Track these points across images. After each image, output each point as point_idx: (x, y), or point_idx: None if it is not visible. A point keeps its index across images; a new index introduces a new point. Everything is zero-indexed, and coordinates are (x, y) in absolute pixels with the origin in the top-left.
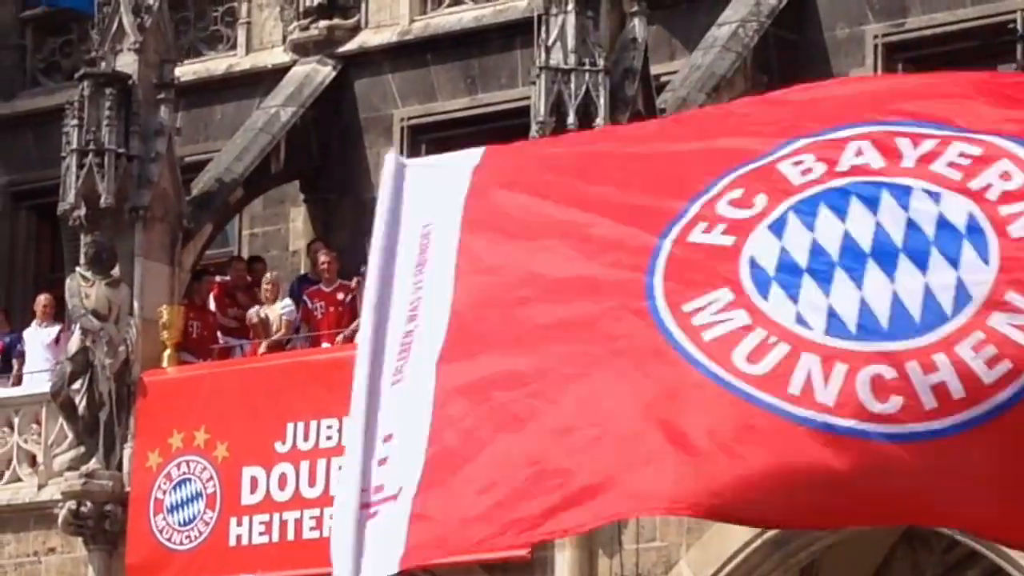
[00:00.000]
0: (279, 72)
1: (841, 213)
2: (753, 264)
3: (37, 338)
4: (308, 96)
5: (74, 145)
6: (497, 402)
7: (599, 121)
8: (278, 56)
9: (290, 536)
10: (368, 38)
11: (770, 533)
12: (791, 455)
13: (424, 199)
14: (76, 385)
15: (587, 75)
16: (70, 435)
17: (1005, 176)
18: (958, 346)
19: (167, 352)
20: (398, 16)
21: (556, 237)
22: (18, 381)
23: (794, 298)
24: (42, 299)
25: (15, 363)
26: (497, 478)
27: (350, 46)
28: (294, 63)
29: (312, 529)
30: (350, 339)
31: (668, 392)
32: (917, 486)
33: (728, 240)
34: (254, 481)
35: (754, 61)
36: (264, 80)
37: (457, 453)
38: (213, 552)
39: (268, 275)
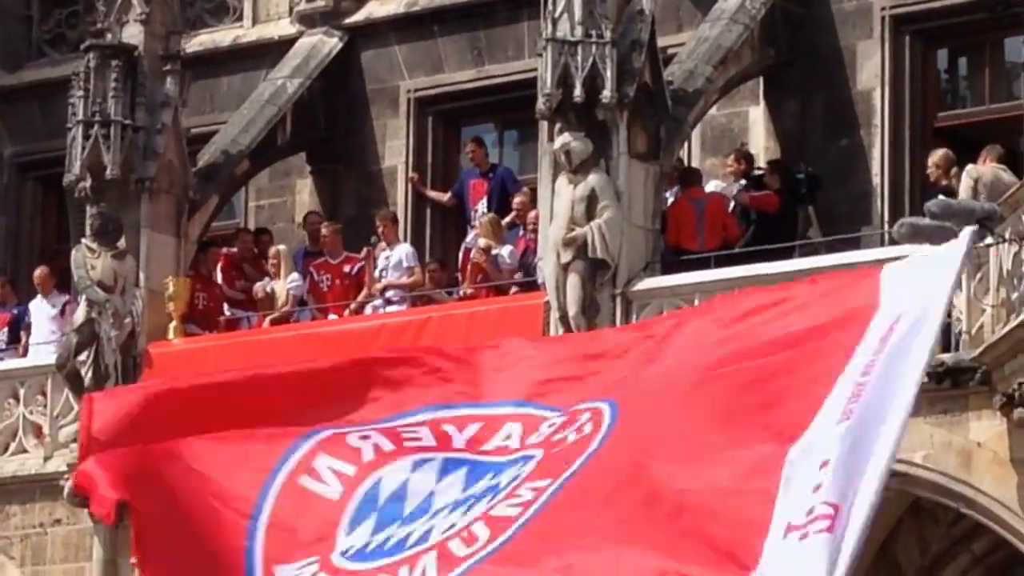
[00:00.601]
0: (285, 43)
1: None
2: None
3: (42, 310)
4: (315, 68)
5: (80, 116)
6: None
7: (606, 93)
8: (284, 27)
9: None
10: (374, 9)
11: None
12: None
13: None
14: (82, 357)
15: (594, 47)
16: (76, 407)
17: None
18: None
19: (173, 324)
20: None
21: None
22: (24, 352)
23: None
24: (39, 272)
25: (23, 335)
26: None
27: (356, 17)
28: (300, 34)
29: None
30: (357, 311)
31: None
32: None
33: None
34: None
35: (761, 33)
36: (270, 51)
37: None
38: None
39: (273, 248)
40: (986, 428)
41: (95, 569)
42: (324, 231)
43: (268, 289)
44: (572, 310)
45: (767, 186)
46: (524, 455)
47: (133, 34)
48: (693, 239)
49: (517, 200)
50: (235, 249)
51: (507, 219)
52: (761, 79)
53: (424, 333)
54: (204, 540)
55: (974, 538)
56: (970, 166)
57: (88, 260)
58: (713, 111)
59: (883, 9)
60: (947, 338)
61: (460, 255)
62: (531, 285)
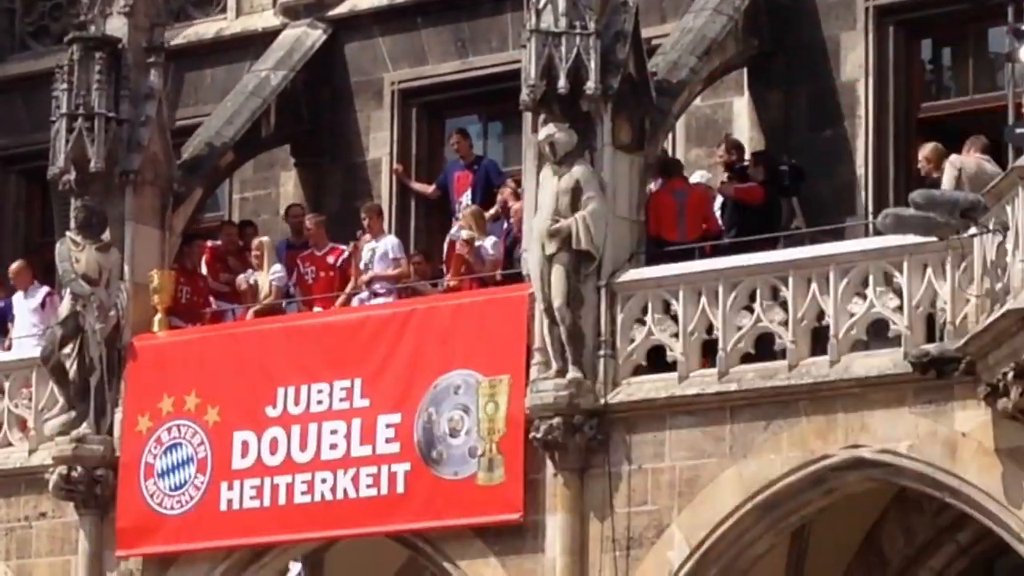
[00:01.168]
0: (269, 36)
1: None
2: None
3: (24, 303)
4: (299, 60)
5: (64, 109)
6: None
7: (590, 84)
8: (268, 19)
9: (281, 501)
10: (358, 1)
11: (761, 496)
12: None
13: None
14: (67, 350)
15: (578, 38)
16: (61, 400)
17: None
18: None
19: (158, 316)
20: None
21: None
22: (9, 346)
23: None
24: (14, 266)
25: (10, 327)
26: None
27: (340, 9)
28: (284, 26)
29: (303, 494)
30: (345, 303)
31: None
32: None
33: None
34: (245, 445)
35: (745, 24)
36: (254, 44)
37: None
38: (204, 516)
39: (256, 240)
40: (971, 418)
41: (80, 562)
42: (308, 223)
43: (251, 281)
44: (557, 302)
45: (751, 177)
46: None
47: (117, 26)
48: (673, 230)
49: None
50: (219, 242)
51: (491, 211)
52: (745, 70)
53: (408, 325)
54: None
55: (959, 528)
56: (953, 156)
57: (73, 253)
58: (697, 102)
59: (866, 0)
60: (932, 329)
61: (445, 247)
62: (516, 277)
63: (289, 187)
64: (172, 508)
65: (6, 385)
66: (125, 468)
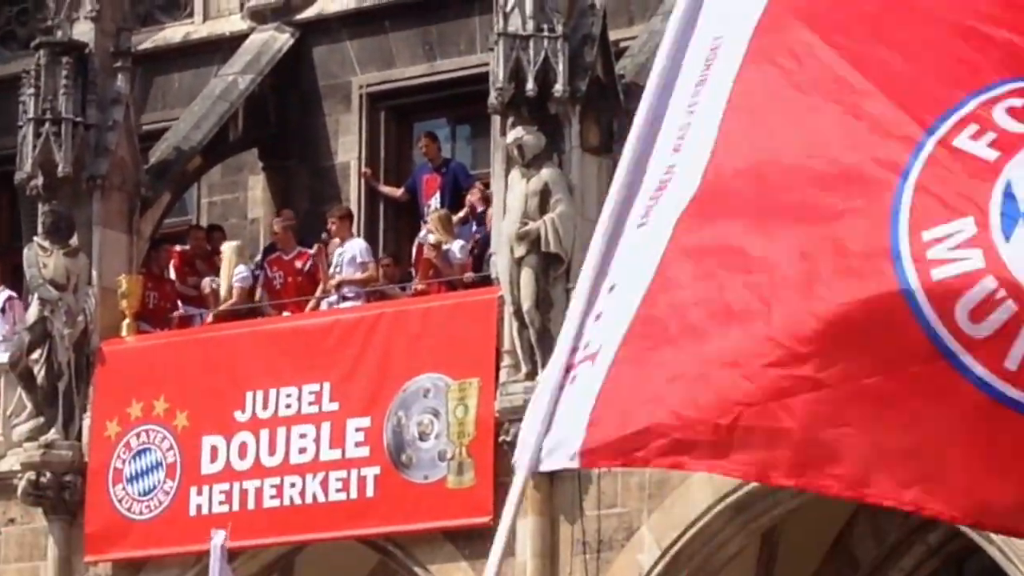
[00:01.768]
0: (237, 39)
1: None
2: (1007, 193)
3: None
4: (266, 64)
5: (31, 114)
6: (716, 283)
7: (558, 87)
8: (236, 23)
9: (250, 505)
10: (326, 5)
11: (731, 498)
12: (997, 444)
13: (721, 7)
14: (35, 355)
15: (546, 41)
16: (29, 405)
17: None
18: None
19: (126, 321)
20: None
21: (830, 100)
22: None
23: None
24: None
25: None
26: (690, 372)
27: (308, 13)
28: (252, 30)
29: (272, 498)
30: (314, 308)
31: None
32: None
33: (992, 155)
34: (214, 450)
35: None
36: (222, 48)
37: (662, 327)
38: (173, 522)
39: (225, 244)
40: None
41: (50, 568)
42: (276, 227)
43: (214, 284)
44: (526, 304)
45: None
46: None
47: (84, 31)
48: None
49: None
50: (187, 246)
51: (459, 214)
52: None
53: (377, 328)
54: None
55: (929, 528)
56: None
57: (40, 258)
58: None
59: None
60: None
61: (413, 250)
62: (484, 280)
63: (257, 191)
64: (141, 513)
65: None
66: (94, 474)
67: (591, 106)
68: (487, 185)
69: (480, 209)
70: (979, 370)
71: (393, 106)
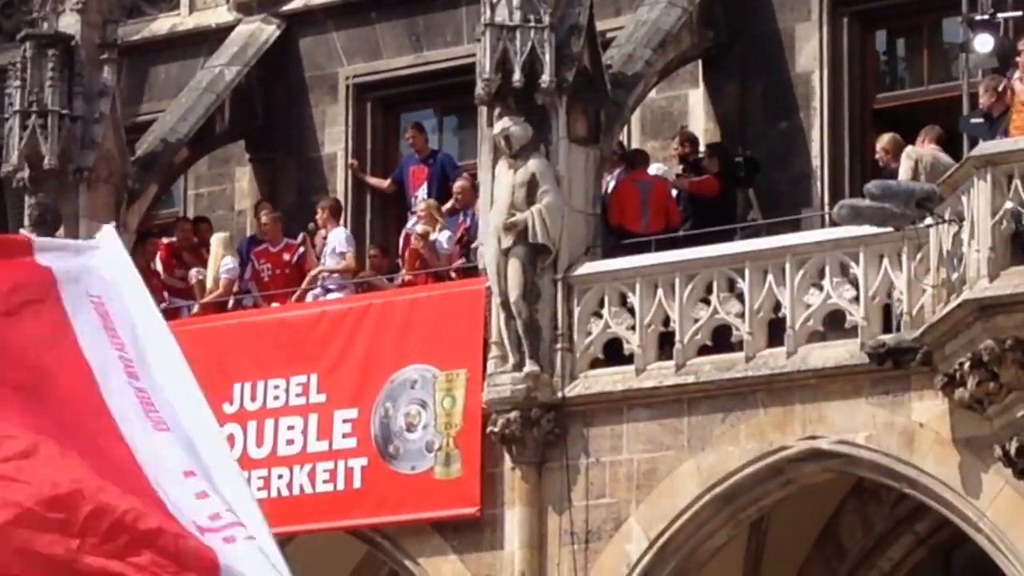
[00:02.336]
0: (223, 31)
1: None
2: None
3: None
4: (252, 55)
5: (17, 106)
6: None
7: (544, 78)
8: (222, 15)
9: None
10: None
11: (719, 488)
12: None
13: None
14: None
15: (532, 32)
16: None
17: None
18: None
19: None
20: None
21: None
22: None
23: None
24: None
25: None
26: None
27: (294, 4)
28: (238, 22)
29: (260, 489)
30: (300, 298)
31: None
32: None
33: None
34: None
35: (700, 16)
36: (208, 39)
37: None
38: None
39: (215, 236)
40: (928, 408)
41: None
42: (263, 219)
43: (201, 276)
44: (513, 295)
45: (706, 170)
46: None
47: (70, 23)
48: (637, 221)
49: (457, 186)
50: (174, 238)
51: (447, 205)
52: (700, 62)
53: (365, 320)
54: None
55: (917, 518)
56: (909, 147)
57: None
58: (652, 94)
59: None
60: (888, 319)
61: (401, 241)
62: (472, 270)
63: (244, 183)
64: None
65: None
66: None
67: (578, 97)
68: (474, 176)
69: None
70: None
71: (380, 97)
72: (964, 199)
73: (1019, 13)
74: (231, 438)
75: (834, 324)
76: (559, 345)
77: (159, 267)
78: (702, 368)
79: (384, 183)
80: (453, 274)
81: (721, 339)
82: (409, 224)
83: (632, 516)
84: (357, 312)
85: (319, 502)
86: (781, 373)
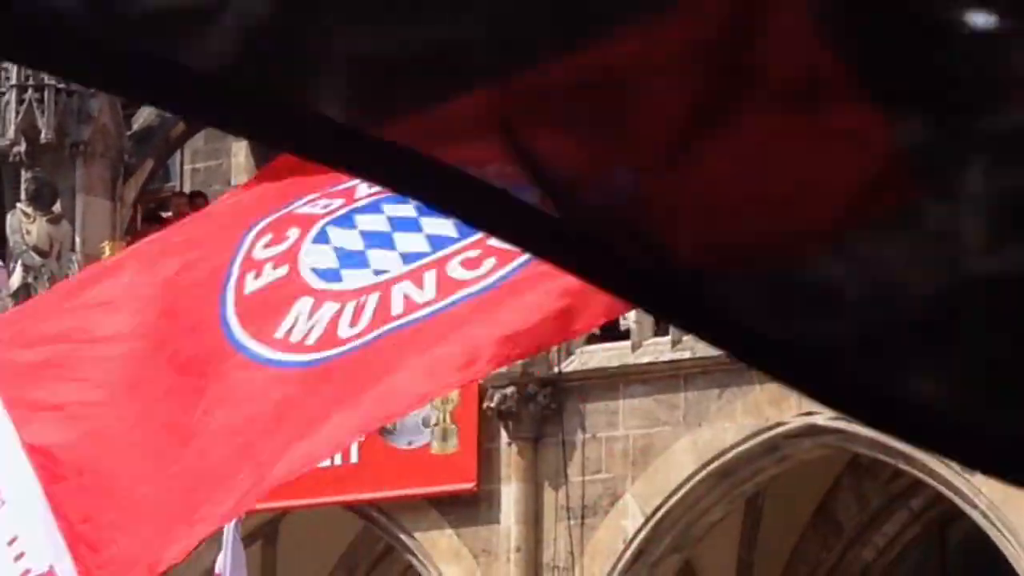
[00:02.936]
0: None
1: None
2: (316, 271)
3: None
4: None
5: (13, 80)
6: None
7: None
8: None
9: None
10: None
11: (715, 464)
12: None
13: None
14: None
15: None
16: None
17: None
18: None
19: None
20: None
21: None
22: None
23: (367, 267)
24: None
25: None
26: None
27: None
28: None
29: None
30: None
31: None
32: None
33: (281, 271)
34: None
35: None
36: None
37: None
38: None
39: None
40: None
41: None
42: None
43: None
44: None
45: None
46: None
47: None
48: None
49: None
50: (169, 212)
51: None
52: None
53: None
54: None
55: (912, 494)
56: None
57: (23, 225)
58: None
59: None
60: None
61: None
62: None
63: (240, 158)
64: None
65: None
66: None
67: None
68: None
69: None
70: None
71: None
72: None
73: None
74: None
75: None
76: None
77: None
78: (698, 344)
79: None
80: None
81: None
82: None
83: (628, 492)
84: None
85: (316, 477)
86: None
